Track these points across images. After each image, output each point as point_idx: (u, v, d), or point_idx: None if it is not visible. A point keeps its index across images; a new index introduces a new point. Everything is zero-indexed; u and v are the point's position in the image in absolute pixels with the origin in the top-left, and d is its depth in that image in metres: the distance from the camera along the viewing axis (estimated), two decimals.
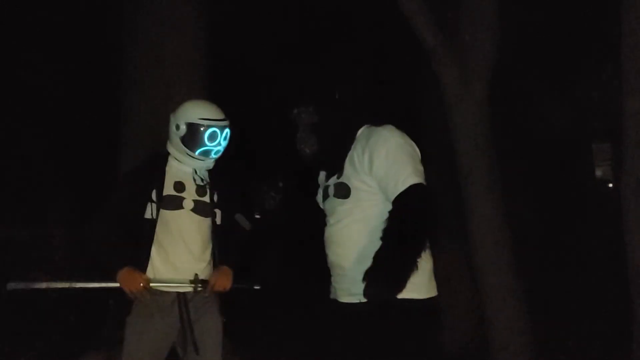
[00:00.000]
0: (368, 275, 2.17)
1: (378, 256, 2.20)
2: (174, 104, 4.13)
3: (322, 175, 2.64)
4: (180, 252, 2.65)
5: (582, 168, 9.35)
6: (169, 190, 2.65)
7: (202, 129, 2.60)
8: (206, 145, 2.61)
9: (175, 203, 2.64)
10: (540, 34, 6.55)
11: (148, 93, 4.21)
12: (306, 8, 6.78)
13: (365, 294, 2.16)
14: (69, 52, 7.32)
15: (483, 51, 3.88)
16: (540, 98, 7.67)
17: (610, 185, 9.31)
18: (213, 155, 2.66)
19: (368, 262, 2.27)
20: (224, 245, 2.79)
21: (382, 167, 2.30)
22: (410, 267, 2.19)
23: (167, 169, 2.69)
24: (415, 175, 2.29)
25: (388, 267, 2.16)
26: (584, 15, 6.39)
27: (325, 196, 2.51)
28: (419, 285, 2.29)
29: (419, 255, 2.22)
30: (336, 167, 2.45)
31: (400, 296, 2.17)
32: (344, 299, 2.41)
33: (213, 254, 2.76)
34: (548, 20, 6.47)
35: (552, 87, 7.69)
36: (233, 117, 2.73)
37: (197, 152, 2.62)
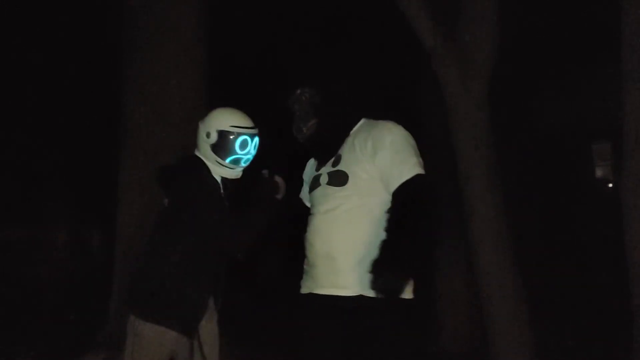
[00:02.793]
0: (376, 266, 2.11)
1: (387, 246, 2.15)
2: (173, 105, 4.18)
3: (311, 167, 2.64)
4: None
5: (582, 168, 9.37)
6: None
7: (232, 136, 2.58)
8: (237, 154, 2.60)
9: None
10: (540, 34, 6.56)
11: (147, 94, 4.22)
12: (307, 6, 6.77)
13: (373, 286, 2.10)
14: (69, 53, 7.32)
15: (483, 51, 3.88)
16: (540, 98, 7.67)
17: (610, 185, 9.31)
18: (242, 164, 2.64)
19: (361, 252, 2.25)
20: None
21: (387, 155, 2.31)
22: (421, 258, 2.16)
23: None
24: (419, 166, 2.32)
25: (399, 256, 2.11)
26: (583, 15, 6.39)
27: (315, 185, 2.49)
28: (410, 286, 2.28)
29: (430, 244, 2.20)
30: (331, 152, 2.45)
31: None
32: (327, 290, 2.35)
33: None
34: (548, 21, 6.47)
35: (552, 87, 7.70)
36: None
37: (227, 160, 2.60)
